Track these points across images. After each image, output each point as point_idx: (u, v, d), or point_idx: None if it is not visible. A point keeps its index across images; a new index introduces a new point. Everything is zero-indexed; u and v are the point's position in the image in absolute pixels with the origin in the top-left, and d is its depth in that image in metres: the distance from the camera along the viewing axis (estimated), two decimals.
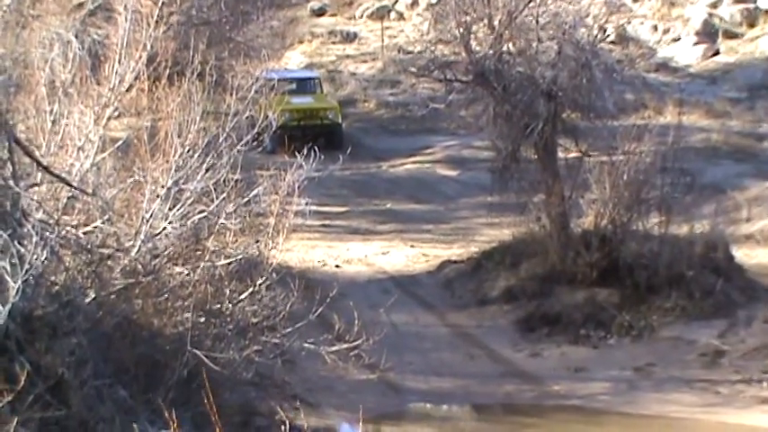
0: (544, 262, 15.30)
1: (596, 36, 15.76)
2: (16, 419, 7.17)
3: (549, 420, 12.16)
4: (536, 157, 15.75)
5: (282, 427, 5.87)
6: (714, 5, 32.32)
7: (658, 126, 16.83)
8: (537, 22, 15.44)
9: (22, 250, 7.88)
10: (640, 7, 33.42)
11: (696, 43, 31.23)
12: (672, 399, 12.32)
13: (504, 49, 15.61)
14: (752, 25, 31.61)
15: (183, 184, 10.30)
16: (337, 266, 17.53)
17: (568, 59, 15.32)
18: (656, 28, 32.23)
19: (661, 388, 12.65)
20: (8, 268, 7.74)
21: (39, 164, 9.29)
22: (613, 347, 13.87)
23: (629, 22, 30.61)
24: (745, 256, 16.36)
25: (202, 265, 10.27)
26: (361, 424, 8.98)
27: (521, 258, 15.69)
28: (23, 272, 7.65)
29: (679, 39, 31.72)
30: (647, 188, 15.11)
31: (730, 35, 31.30)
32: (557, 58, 15.33)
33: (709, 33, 31.53)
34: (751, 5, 32.09)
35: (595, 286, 14.69)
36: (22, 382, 7.33)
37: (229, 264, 10.49)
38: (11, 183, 8.62)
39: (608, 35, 17.12)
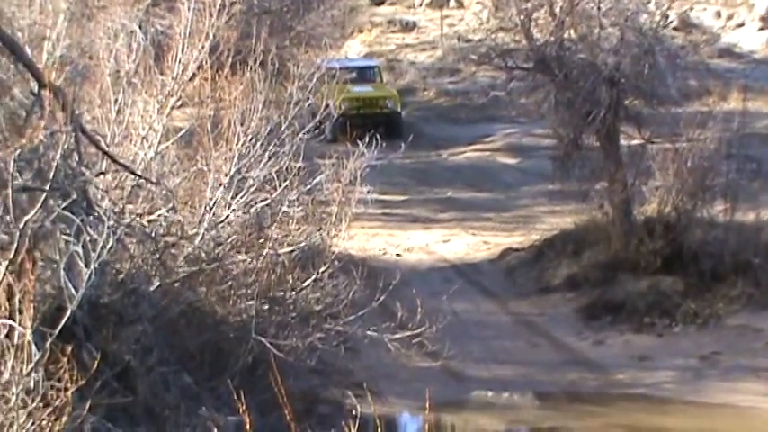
0: (607, 249, 15.19)
1: (659, 22, 15.58)
2: (87, 405, 7.25)
3: (614, 409, 12.06)
4: (598, 144, 15.61)
5: (353, 413, 5.87)
6: None
7: (723, 112, 16.58)
8: (599, 8, 15.29)
9: (94, 236, 7.97)
10: None
11: (761, 29, 30.78)
12: (739, 387, 12.17)
13: (566, 35, 15.49)
14: None
15: (246, 172, 10.38)
16: (398, 255, 17.54)
17: (631, 46, 15.17)
18: (719, 14, 31.82)
19: (728, 377, 12.50)
20: (81, 253, 7.84)
21: (104, 153, 9.41)
22: (678, 336, 13.73)
23: (692, 8, 30.19)
24: None
25: (265, 252, 10.35)
26: (427, 411, 8.96)
27: (583, 246, 15.59)
28: (96, 257, 7.74)
29: (743, 24, 31.28)
30: (712, 175, 14.93)
31: None
32: (619, 45, 15.18)
33: None
34: None
35: (659, 274, 14.54)
36: (93, 369, 7.42)
37: (292, 252, 10.56)
38: (78, 171, 8.73)
39: (670, 21, 16.95)
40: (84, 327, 8.41)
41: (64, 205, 8.29)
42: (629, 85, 15.30)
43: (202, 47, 10.45)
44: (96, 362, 7.55)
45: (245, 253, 10.37)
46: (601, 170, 15.60)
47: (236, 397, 6.51)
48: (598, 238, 15.44)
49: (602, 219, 15.53)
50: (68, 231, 8.25)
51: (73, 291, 7.73)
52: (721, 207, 14.96)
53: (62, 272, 7.85)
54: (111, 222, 8.71)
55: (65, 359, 6.69)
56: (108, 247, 8.36)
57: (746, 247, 14.38)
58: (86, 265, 7.80)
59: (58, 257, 8.25)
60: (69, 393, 6.66)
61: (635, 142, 15.83)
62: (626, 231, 15.04)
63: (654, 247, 14.65)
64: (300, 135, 11.01)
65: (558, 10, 15.38)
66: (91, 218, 8.59)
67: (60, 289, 8.08)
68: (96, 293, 8.65)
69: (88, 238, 8.09)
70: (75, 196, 8.43)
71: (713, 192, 14.95)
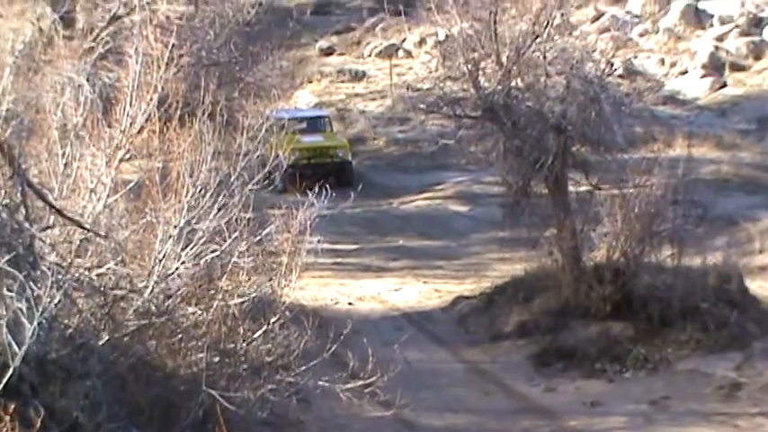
0: (557, 296, 15.26)
1: (604, 70, 15.79)
2: None
3: None
4: (547, 191, 15.74)
5: None
6: (720, 39, 32.40)
7: (668, 159, 16.82)
8: (545, 57, 15.49)
9: (39, 292, 7.89)
10: (647, 41, 33.53)
11: (703, 76, 31.27)
12: None
13: (513, 84, 15.65)
14: (758, 58, 31.66)
15: (196, 223, 10.33)
16: (350, 304, 17.51)
17: (577, 94, 15.36)
18: (663, 61, 32.31)
19: (678, 422, 12.55)
20: (24, 309, 7.75)
21: (51, 207, 9.33)
22: (629, 381, 13.79)
23: (636, 57, 30.68)
24: (759, 287, 16.28)
25: (216, 304, 10.28)
26: None
27: (534, 293, 15.65)
28: (39, 313, 7.65)
29: (686, 72, 31.78)
30: (659, 220, 15.08)
31: (737, 68, 31.34)
32: (565, 93, 15.37)
33: (715, 66, 31.58)
34: (757, 38, 32.17)
35: (609, 320, 14.63)
36: (37, 426, 7.31)
37: (242, 303, 10.50)
38: (25, 226, 8.65)
39: (615, 69, 17.17)
40: (31, 383, 8.29)
41: (5, 259, 8.19)
42: (575, 132, 15.47)
43: (150, 99, 10.42)
44: (41, 419, 7.44)
45: (196, 305, 10.30)
46: (550, 217, 15.72)
47: None
48: (548, 284, 15.51)
49: (552, 265, 15.61)
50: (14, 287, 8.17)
51: (16, 348, 7.63)
52: (669, 252, 15.10)
53: (4, 328, 7.75)
54: (59, 276, 8.62)
55: (7, 417, 6.59)
56: (56, 301, 8.26)
57: (694, 291, 14.52)
58: (31, 321, 7.71)
59: (4, 313, 8.15)
60: None
61: (583, 189, 15.97)
62: (576, 278, 15.13)
63: (603, 292, 14.74)
64: (250, 186, 10.99)
65: (504, 59, 15.54)
66: (38, 272, 8.50)
67: (8, 345, 7.98)
68: (44, 349, 8.55)
69: (35, 294, 8.01)
70: (21, 251, 8.34)
71: (660, 237, 15.09)
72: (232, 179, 10.80)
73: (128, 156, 10.58)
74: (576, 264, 15.29)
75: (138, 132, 10.47)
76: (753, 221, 20.41)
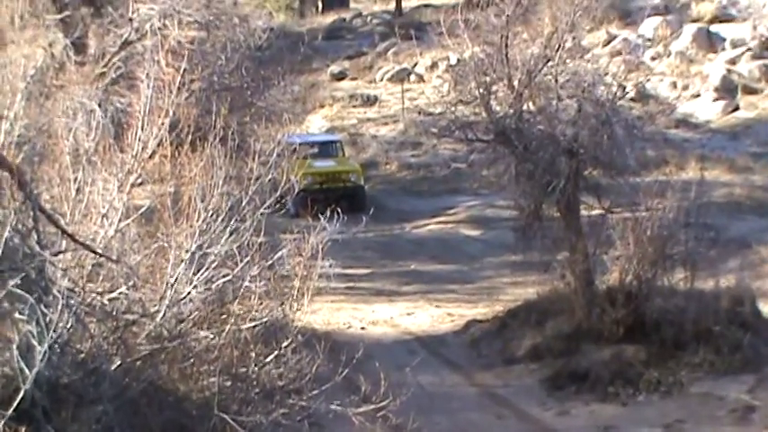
0: (570, 319, 15.21)
1: (616, 93, 15.79)
2: None
3: None
4: (559, 214, 15.71)
5: None
6: (732, 62, 32.43)
7: (680, 182, 16.78)
8: (556, 80, 15.50)
9: (50, 316, 7.91)
10: (659, 65, 33.57)
11: (716, 99, 31.29)
12: None
13: (525, 107, 15.66)
14: None
15: (207, 248, 10.34)
16: (363, 328, 17.50)
17: (589, 117, 15.35)
18: (675, 85, 32.34)
19: None
20: (35, 333, 7.77)
21: (63, 232, 9.35)
22: (642, 404, 13.73)
23: (648, 80, 30.69)
24: None
25: (228, 328, 10.28)
26: None
27: (546, 316, 15.61)
28: (49, 337, 7.67)
29: (698, 95, 31.80)
30: (672, 243, 15.04)
31: (749, 91, 31.36)
32: (577, 116, 15.37)
33: (728, 89, 31.61)
34: None
35: (622, 343, 14.57)
36: None
37: (254, 327, 10.49)
38: (36, 251, 8.67)
39: (627, 92, 17.16)
40: (43, 408, 8.30)
41: (13, 283, 8.21)
42: (587, 155, 15.45)
43: (162, 124, 10.47)
44: None
45: (208, 329, 10.29)
46: (562, 240, 15.68)
47: None
48: (561, 308, 15.48)
49: (564, 289, 15.57)
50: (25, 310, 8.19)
51: (27, 371, 7.65)
52: (681, 275, 15.05)
53: (15, 352, 7.77)
54: (71, 301, 8.64)
55: None
56: (67, 326, 8.27)
57: (707, 314, 14.46)
58: (42, 344, 7.72)
59: (15, 337, 8.16)
60: None
61: (595, 212, 15.94)
62: (588, 301, 15.09)
63: (616, 316, 14.69)
64: (262, 210, 11.01)
65: (516, 83, 15.56)
66: (50, 297, 8.52)
67: (20, 370, 7.99)
68: (56, 374, 8.56)
69: (47, 317, 8.03)
70: (32, 275, 8.36)
71: (673, 260, 15.04)
72: (244, 203, 10.81)
73: (139, 180, 10.61)
74: (589, 287, 15.25)
75: (150, 157, 10.50)
76: (765, 244, 20.34)
